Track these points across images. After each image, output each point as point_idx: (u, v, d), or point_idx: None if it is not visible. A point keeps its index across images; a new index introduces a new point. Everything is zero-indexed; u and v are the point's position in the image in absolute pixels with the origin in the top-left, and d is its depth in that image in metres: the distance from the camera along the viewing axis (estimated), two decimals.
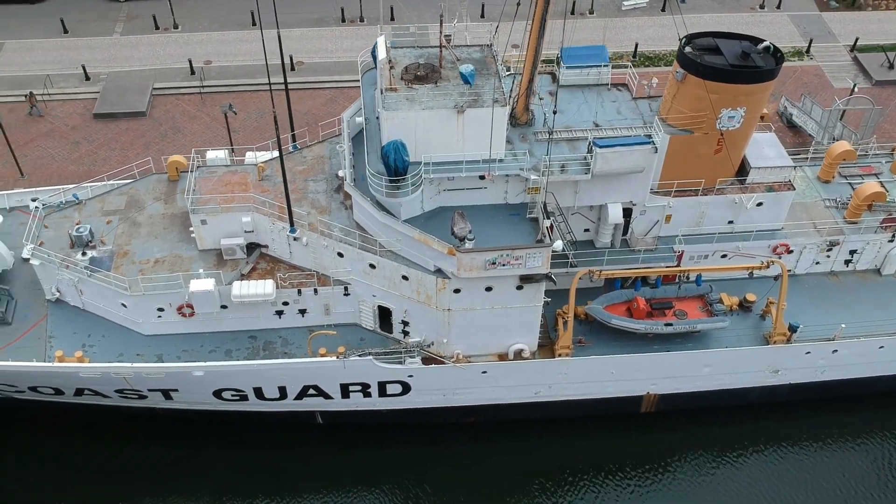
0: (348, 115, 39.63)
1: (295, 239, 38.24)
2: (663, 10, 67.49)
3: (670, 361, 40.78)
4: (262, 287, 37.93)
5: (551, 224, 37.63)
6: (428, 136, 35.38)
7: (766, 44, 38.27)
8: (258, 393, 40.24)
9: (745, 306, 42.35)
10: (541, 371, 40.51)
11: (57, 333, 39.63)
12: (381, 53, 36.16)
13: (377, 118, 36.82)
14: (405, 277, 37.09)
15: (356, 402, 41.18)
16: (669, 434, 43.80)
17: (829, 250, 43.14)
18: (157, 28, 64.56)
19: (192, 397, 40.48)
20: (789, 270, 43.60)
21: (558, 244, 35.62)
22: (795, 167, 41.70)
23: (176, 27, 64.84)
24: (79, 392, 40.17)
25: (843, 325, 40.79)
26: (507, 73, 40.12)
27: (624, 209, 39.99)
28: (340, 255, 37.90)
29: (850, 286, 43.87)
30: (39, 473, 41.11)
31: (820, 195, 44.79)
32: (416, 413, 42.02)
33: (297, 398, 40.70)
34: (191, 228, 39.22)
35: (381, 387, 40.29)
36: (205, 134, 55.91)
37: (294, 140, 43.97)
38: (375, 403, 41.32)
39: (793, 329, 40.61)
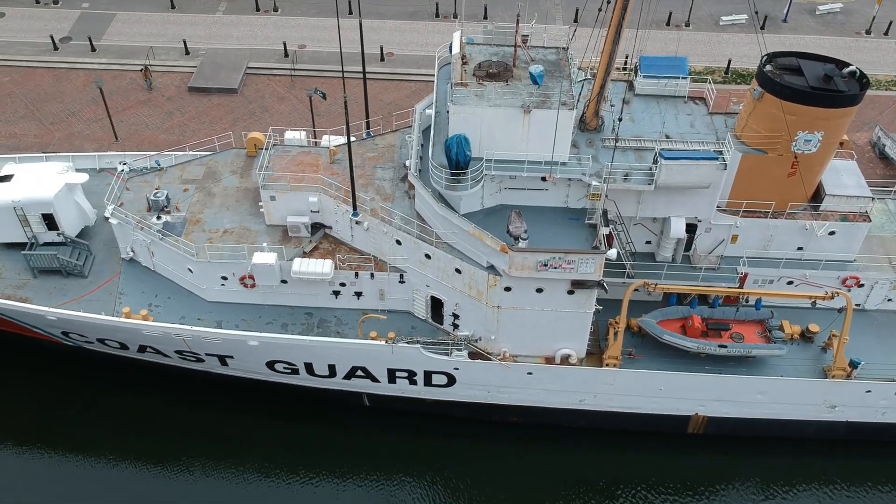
0: (421, 107, 40.30)
1: (357, 223, 39.17)
2: (762, 27, 65.72)
3: (721, 384, 39.96)
4: (321, 266, 39.00)
5: (610, 232, 37.53)
6: (493, 132, 35.73)
7: (851, 68, 37.03)
8: (309, 368, 41.38)
9: (807, 336, 41.10)
10: (587, 379, 40.32)
11: (127, 291, 41.71)
12: (455, 49, 36.64)
13: (447, 112, 37.37)
14: (458, 270, 37.53)
15: (402, 389, 41.88)
16: (716, 459, 42.90)
17: None
18: (257, 10, 66.83)
19: (246, 365, 41.95)
20: (858, 305, 42.20)
21: (612, 252, 35.42)
22: (874, 198, 40.19)
23: (276, 10, 66.98)
24: (142, 349, 42.17)
25: None
26: (584, 77, 39.99)
27: (688, 224, 39.43)
28: (398, 242, 38.62)
29: None
30: (97, 423, 43.39)
31: None
32: (460, 406, 42.43)
33: (345, 378, 41.68)
34: (260, 203, 40.65)
35: (427, 376, 40.85)
36: (291, 115, 57.62)
37: (368, 127, 44.91)
38: (420, 392, 41.92)
39: (853, 365, 39.22)
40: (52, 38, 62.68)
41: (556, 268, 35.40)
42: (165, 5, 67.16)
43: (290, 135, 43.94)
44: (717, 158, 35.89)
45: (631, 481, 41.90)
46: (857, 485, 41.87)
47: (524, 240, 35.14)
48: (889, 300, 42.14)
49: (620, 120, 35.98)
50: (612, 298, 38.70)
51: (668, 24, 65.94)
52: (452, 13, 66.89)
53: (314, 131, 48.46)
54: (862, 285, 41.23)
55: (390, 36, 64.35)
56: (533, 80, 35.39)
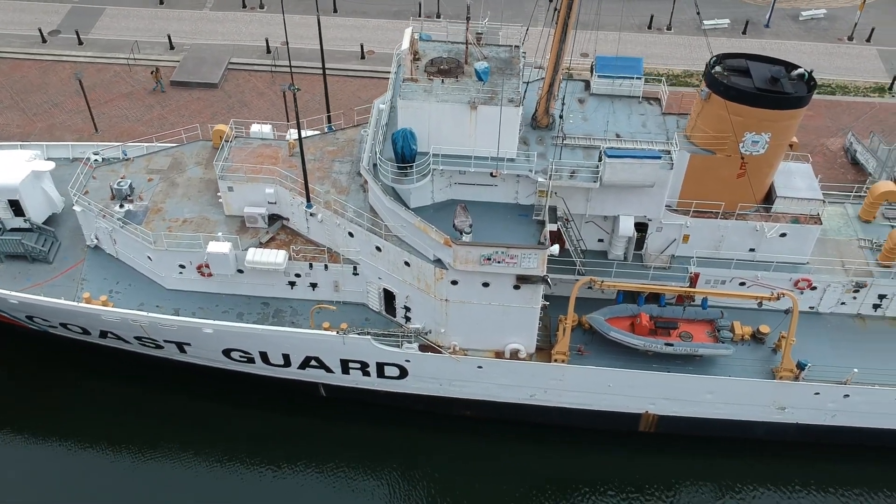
0: (379, 103, 40.91)
1: (311, 214, 39.86)
2: (744, 32, 65.87)
3: (669, 382, 40.27)
4: (275, 256, 39.71)
5: (557, 229, 38.00)
6: (441, 128, 36.28)
7: (800, 70, 37.31)
8: (264, 357, 42.07)
9: (758, 337, 41.31)
10: (536, 374, 40.74)
11: (90, 277, 42.60)
12: (404, 45, 37.23)
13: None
14: (407, 263, 38.10)
15: (356, 380, 42.49)
16: (668, 458, 43.16)
17: (856, 292, 41.56)
18: (244, 6, 67.77)
19: (203, 353, 42.71)
20: (812, 308, 42.42)
21: (555, 248, 35.88)
22: (825, 201, 40.37)
23: (262, 7, 67.89)
24: (103, 335, 43.04)
25: (856, 370, 39.31)
26: (539, 77, 40.40)
27: (639, 223, 39.81)
28: (351, 234, 39.25)
29: (876, 332, 42.13)
30: (65, 407, 44.34)
31: (857, 234, 43.15)
32: (413, 399, 42.99)
33: (300, 367, 42.34)
34: (219, 194, 41.43)
35: (380, 368, 41.43)
36: (269, 110, 58.42)
37: (329, 122, 45.63)
38: (374, 383, 42.51)
39: (800, 366, 39.40)
40: (39, 30, 63.85)
41: (499, 262, 35.89)
42: (154, 1, 68.22)
43: (255, 128, 44.68)
44: (660, 157, 36.26)
45: (582, 479, 42.24)
46: (805, 488, 42.01)
47: (467, 234, 35.66)
48: (843, 303, 42.27)
49: (561, 117, 36.40)
50: (566, 295, 39.11)
51: (649, 27, 66.23)
52: (436, 13, 67.53)
53: (287, 125, 49.27)
54: (815, 288, 41.40)
55: (372, 34, 65.06)
56: (478, 76, 35.92)
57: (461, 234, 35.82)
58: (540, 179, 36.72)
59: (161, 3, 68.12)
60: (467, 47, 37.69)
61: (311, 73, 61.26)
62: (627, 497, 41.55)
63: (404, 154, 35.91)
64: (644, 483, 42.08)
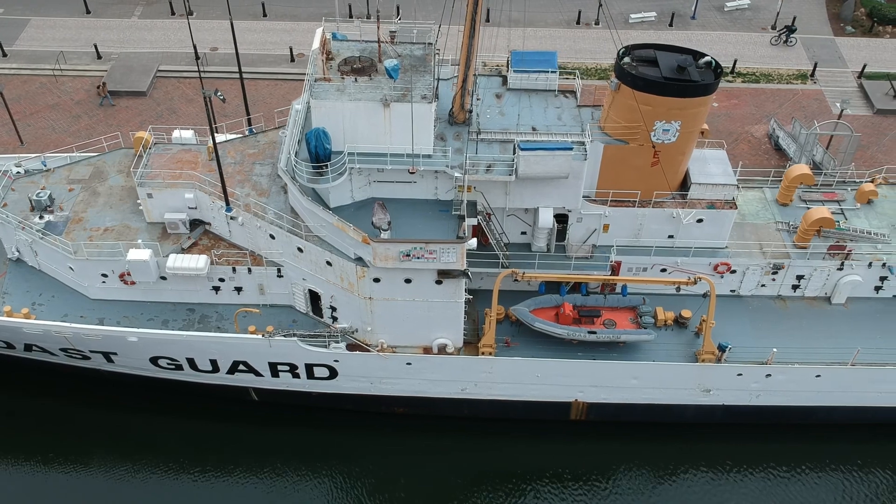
0: (296, 104, 40.93)
1: (231, 218, 39.75)
2: (671, 24, 66.97)
3: (595, 370, 40.82)
4: (196, 261, 39.51)
5: (478, 223, 38.35)
6: (356, 126, 36.44)
7: (707, 58, 38.06)
8: (192, 364, 41.85)
9: (680, 322, 42.06)
10: (465, 367, 41.06)
11: (11, 290, 42.02)
12: (315, 44, 37.35)
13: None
14: (329, 263, 38.19)
15: (286, 382, 42.44)
16: (602, 445, 43.75)
17: (775, 273, 42.51)
18: (172, 13, 67.27)
19: (130, 362, 42.35)
20: (733, 291, 43.30)
21: (472, 242, 36.21)
22: (739, 186, 41.20)
23: (191, 14, 67.33)
24: (28, 348, 42.47)
25: (775, 350, 40.20)
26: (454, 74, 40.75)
27: (559, 215, 40.33)
28: (272, 236, 39.21)
29: (795, 312, 43.12)
30: None
31: (774, 217, 44.13)
32: (345, 398, 43.06)
33: (229, 372, 42.18)
34: (138, 201, 41.14)
35: (309, 369, 41.44)
36: (198, 116, 58.04)
37: (250, 124, 45.57)
38: (305, 385, 42.51)
39: (721, 348, 40.21)
40: None
41: (419, 258, 36.13)
42: (81, 11, 67.40)
43: (177, 134, 44.43)
44: (571, 149, 36.77)
45: (517, 470, 42.61)
46: (734, 468, 42.81)
47: (385, 231, 35.84)
48: (763, 286, 43.19)
49: (470, 112, 36.75)
50: (492, 289, 39.40)
51: (577, 22, 67.02)
52: (366, 14, 67.62)
53: (212, 129, 49.01)
54: (734, 271, 42.27)
55: (302, 37, 64.89)
56: (388, 74, 36.14)
57: (380, 231, 36.01)
58: (456, 175, 37.04)
59: (88, 12, 67.33)
60: (380, 46, 37.89)
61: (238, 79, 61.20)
62: (565, 486, 41.99)
63: (318, 154, 36.01)
64: (580, 471, 42.57)
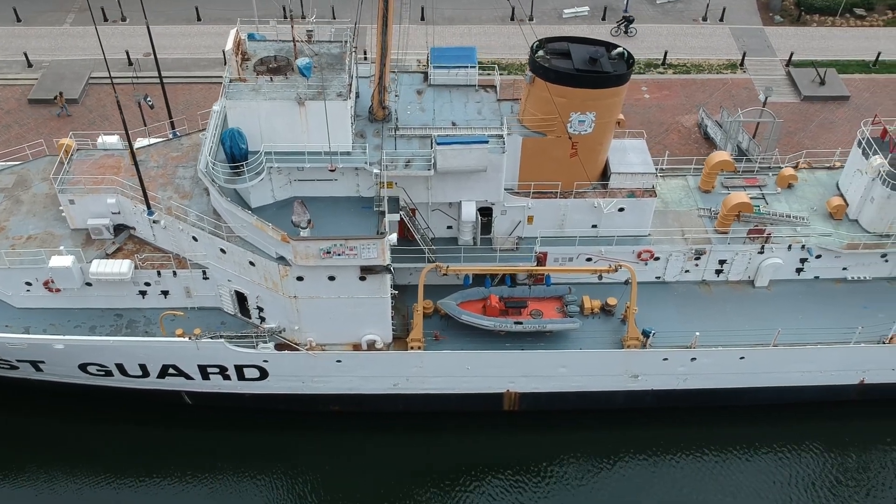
0: (216, 106, 40.93)
1: (154, 222, 39.64)
2: (604, 18, 67.82)
3: (524, 360, 41.32)
4: (119, 266, 39.34)
5: (401, 218, 38.66)
6: (272, 125, 36.57)
7: (619, 49, 38.72)
8: (121, 369, 41.68)
9: (606, 310, 42.71)
10: (395, 363, 41.34)
11: None
12: (228, 45, 37.43)
13: None
14: (252, 263, 38.26)
15: (217, 384, 42.42)
16: (537, 435, 44.22)
17: (697, 259, 43.31)
18: (105, 20, 66.74)
19: (59, 370, 42.06)
20: (658, 277, 44.05)
21: (393, 238, 36.52)
22: (658, 174, 41.92)
23: (124, 20, 67.00)
24: None
25: (698, 333, 40.97)
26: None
27: (484, 208, 40.78)
28: (195, 238, 39.20)
29: (720, 296, 43.97)
30: None
31: (697, 204, 44.95)
32: (278, 399, 43.14)
33: (159, 377, 42.07)
34: (60, 208, 40.90)
35: (239, 370, 41.47)
36: (132, 122, 56.86)
37: (173, 128, 45.50)
38: (236, 387, 42.52)
39: (646, 334, 40.90)
40: None
41: (339, 255, 36.33)
42: (11, 19, 66.65)
43: (101, 139, 44.20)
44: (487, 142, 37.21)
45: (460, 463, 42.92)
46: (664, 453, 43.53)
47: (303, 228, 36.00)
48: (687, 272, 43.99)
49: (384, 107, 37.07)
50: (430, 284, 39.97)
51: (511, 18, 67.60)
52: (301, 14, 67.56)
53: (128, 134, 48.76)
54: (657, 258, 43.01)
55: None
56: (301, 72, 36.34)
57: (300, 229, 36.16)
58: (375, 171, 37.31)
59: (19, 20, 66.61)
60: (295, 45, 38.08)
61: (172, 83, 60.83)
62: (504, 477, 42.33)
63: (234, 154, 36.10)
64: (518, 462, 42.90)
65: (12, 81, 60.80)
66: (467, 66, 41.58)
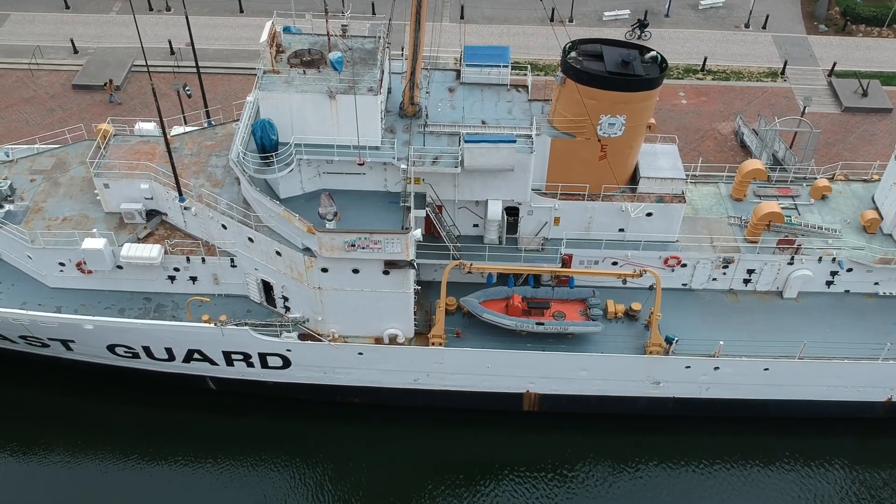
0: (250, 97, 41.48)
1: (185, 208, 40.35)
2: (645, 20, 67.27)
3: (544, 361, 41.26)
4: (149, 251, 40.11)
5: (427, 214, 38.89)
6: (303, 118, 37.00)
7: (652, 53, 38.49)
8: (148, 352, 42.49)
9: (630, 315, 42.48)
10: (415, 358, 41.56)
11: None
12: (263, 37, 37.92)
13: None
14: (279, 253, 38.74)
15: (241, 371, 43.03)
16: (556, 436, 44.08)
17: (725, 267, 42.87)
18: (150, 9, 68.00)
19: (88, 350, 43.01)
20: (684, 284, 43.70)
21: (418, 233, 36.73)
22: (688, 181, 41.54)
23: (168, 9, 68.18)
24: None
25: (722, 342, 40.57)
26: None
27: (509, 208, 40.82)
28: (224, 227, 39.79)
29: (747, 306, 43.45)
30: None
31: (727, 212, 44.49)
32: (300, 388, 43.62)
33: (185, 361, 42.79)
34: (95, 191, 41.80)
35: (262, 358, 42.01)
36: (171, 110, 57.89)
37: (208, 117, 46.23)
38: (259, 374, 43.09)
39: (669, 341, 40.60)
40: None
41: (364, 248, 36.64)
42: (60, 6, 68.23)
43: (139, 126, 45.07)
44: (514, 141, 37.23)
45: (478, 460, 42.98)
46: (682, 461, 43.14)
47: (329, 221, 36.37)
48: (714, 279, 43.56)
49: (413, 104, 37.25)
50: (454, 281, 40.06)
51: (551, 20, 67.42)
52: (342, 9, 68.07)
53: (162, 122, 49.64)
54: (685, 265, 42.65)
55: None
56: (332, 66, 36.70)
57: (325, 221, 36.54)
58: (403, 166, 37.55)
59: (67, 7, 68.14)
60: (329, 39, 38.47)
61: (212, 73, 61.95)
62: (521, 477, 42.29)
63: (264, 144, 36.59)
64: (535, 462, 42.81)
65: (58, 67, 62.22)
66: (500, 66, 41.65)
